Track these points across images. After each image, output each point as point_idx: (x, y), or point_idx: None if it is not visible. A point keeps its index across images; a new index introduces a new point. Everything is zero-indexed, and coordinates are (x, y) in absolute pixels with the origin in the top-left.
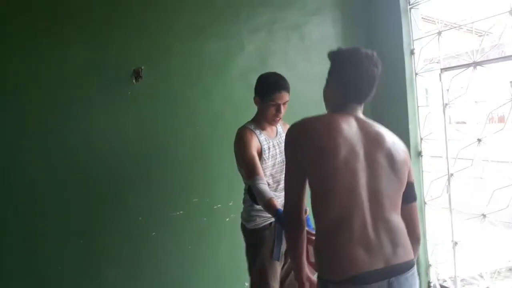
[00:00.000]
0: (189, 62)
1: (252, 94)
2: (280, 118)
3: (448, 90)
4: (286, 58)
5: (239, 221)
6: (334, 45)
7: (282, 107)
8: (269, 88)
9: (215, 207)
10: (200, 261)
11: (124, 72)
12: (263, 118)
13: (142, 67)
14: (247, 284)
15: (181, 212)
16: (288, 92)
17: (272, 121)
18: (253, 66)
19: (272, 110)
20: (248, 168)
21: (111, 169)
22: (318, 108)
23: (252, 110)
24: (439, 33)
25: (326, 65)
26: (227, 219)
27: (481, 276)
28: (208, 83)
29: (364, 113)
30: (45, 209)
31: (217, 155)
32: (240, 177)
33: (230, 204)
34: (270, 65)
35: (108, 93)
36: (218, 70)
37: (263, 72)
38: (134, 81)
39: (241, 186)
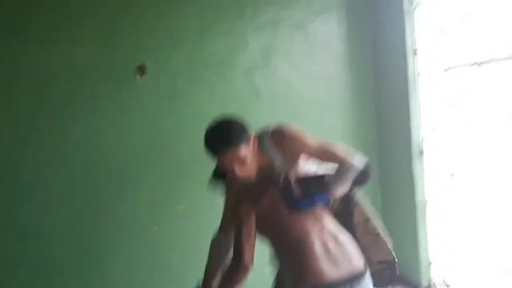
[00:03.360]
0: (193, 60)
1: (255, 92)
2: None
3: (456, 89)
4: (290, 56)
5: None
6: (339, 44)
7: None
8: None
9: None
10: (201, 256)
11: (130, 68)
12: None
13: (147, 64)
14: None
15: (182, 207)
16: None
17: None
18: (257, 64)
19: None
20: None
21: (114, 163)
22: (322, 106)
23: (255, 108)
24: (442, 32)
25: (331, 64)
26: None
27: (482, 276)
28: (212, 81)
29: (367, 113)
30: (51, 201)
31: None
32: None
33: None
34: (273, 64)
35: (114, 88)
36: (221, 68)
37: (267, 70)
38: (138, 77)
39: None
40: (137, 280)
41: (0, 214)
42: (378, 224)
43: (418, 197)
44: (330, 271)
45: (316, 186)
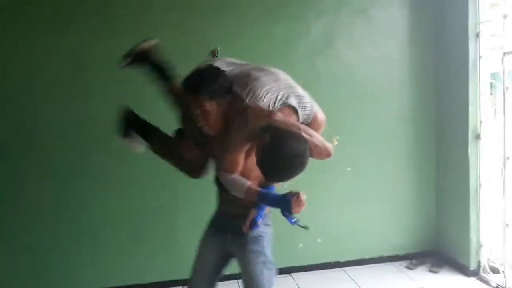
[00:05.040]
0: (257, 43)
1: (316, 75)
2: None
3: None
4: (351, 40)
5: (295, 188)
6: (400, 28)
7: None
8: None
9: None
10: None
11: (201, 51)
12: None
13: (218, 48)
14: (300, 245)
15: None
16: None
17: None
18: (319, 48)
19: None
20: None
21: None
22: (381, 89)
23: (315, 90)
24: (505, 16)
25: (392, 47)
26: (285, 186)
27: None
28: (274, 63)
29: (426, 95)
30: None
31: None
32: None
33: None
34: (335, 47)
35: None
36: (284, 51)
37: (328, 54)
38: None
39: None
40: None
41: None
42: None
43: (472, 180)
44: None
45: None
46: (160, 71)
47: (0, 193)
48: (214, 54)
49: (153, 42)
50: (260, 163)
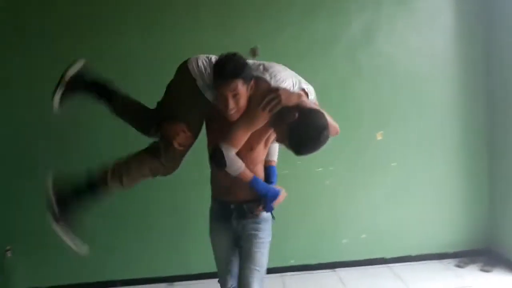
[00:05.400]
0: (297, 40)
1: (357, 69)
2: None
3: None
4: (394, 33)
5: (338, 185)
6: (446, 18)
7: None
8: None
9: (316, 170)
10: (302, 217)
11: (241, 49)
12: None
13: (258, 46)
14: (344, 240)
15: (286, 171)
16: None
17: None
18: (360, 42)
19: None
20: None
21: None
22: (427, 84)
23: (356, 85)
24: None
25: (438, 39)
26: (327, 182)
27: None
28: (314, 59)
29: (477, 89)
30: None
31: None
32: (344, 144)
33: (330, 168)
34: (376, 41)
35: None
36: (324, 47)
37: (369, 48)
38: (251, 58)
39: (343, 153)
40: None
41: None
42: None
43: None
44: None
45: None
46: (99, 90)
47: None
48: (254, 52)
49: (81, 63)
50: (291, 138)
